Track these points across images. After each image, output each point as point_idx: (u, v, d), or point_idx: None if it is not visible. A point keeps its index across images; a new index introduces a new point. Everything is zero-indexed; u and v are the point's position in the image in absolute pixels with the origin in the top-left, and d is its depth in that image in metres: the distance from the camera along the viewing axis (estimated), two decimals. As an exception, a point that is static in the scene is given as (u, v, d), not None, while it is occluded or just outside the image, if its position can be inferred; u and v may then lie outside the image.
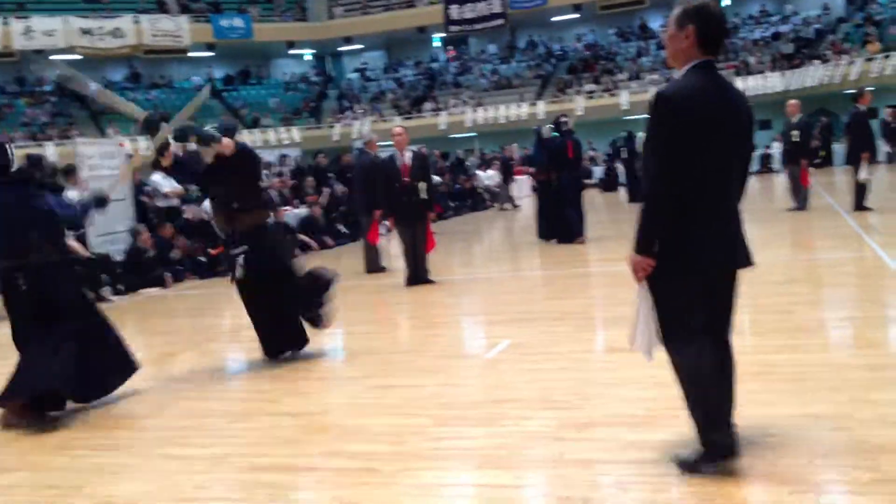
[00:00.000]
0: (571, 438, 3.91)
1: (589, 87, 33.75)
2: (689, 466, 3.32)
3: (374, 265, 11.18)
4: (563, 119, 12.54)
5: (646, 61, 34.60)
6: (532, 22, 37.20)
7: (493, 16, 34.22)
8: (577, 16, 36.02)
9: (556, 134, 12.45)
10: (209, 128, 6.27)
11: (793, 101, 14.42)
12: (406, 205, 9.35)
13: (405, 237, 9.46)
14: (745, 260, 3.29)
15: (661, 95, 3.10)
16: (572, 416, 4.21)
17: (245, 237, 6.08)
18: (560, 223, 12.24)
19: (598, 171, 27.79)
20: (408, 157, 9.47)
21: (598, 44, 37.47)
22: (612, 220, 16.11)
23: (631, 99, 31.09)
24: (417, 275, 9.43)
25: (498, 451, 3.83)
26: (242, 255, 6.06)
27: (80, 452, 4.48)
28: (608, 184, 25.88)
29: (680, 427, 3.61)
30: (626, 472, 3.44)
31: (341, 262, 11.69)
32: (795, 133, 13.77)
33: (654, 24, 36.71)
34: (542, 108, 32.28)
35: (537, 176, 13.18)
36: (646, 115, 3.18)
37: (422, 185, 9.38)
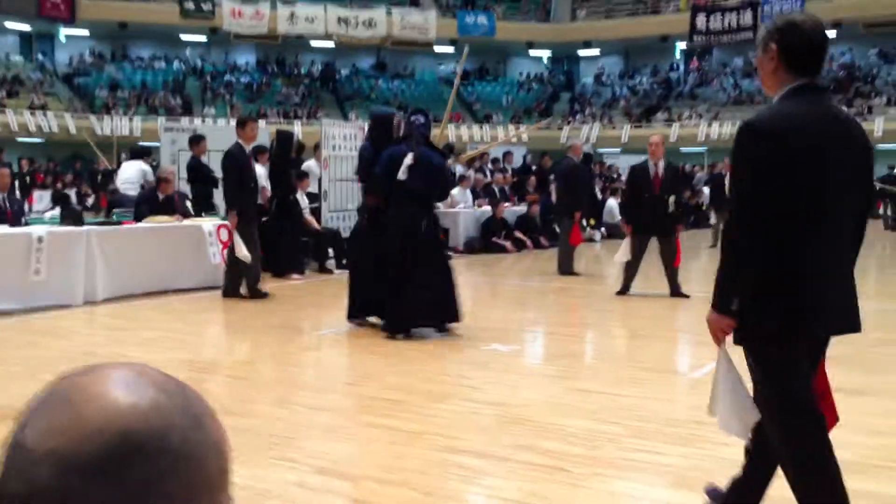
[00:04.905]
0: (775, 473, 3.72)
1: (839, 109, 31.46)
2: None
3: (567, 267, 11.21)
4: None
5: (909, 86, 31.80)
6: (784, 36, 35.21)
7: (743, 28, 32.73)
8: (834, 32, 33.67)
9: None
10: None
11: None
12: (651, 216, 8.97)
13: (635, 247, 9.17)
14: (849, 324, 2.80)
15: (746, 125, 2.68)
16: (777, 451, 4.01)
17: None
18: None
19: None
20: (661, 167, 9.10)
21: (856, 64, 34.83)
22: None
23: (885, 126, 28.68)
24: (671, 289, 9.12)
25: (693, 473, 3.72)
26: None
27: (298, 408, 4.86)
28: None
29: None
30: (831, 518, 3.24)
31: (538, 263, 11.74)
32: None
33: (925, 46, 33.63)
34: (783, 127, 30.52)
35: None
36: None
37: (671, 199, 9.03)
